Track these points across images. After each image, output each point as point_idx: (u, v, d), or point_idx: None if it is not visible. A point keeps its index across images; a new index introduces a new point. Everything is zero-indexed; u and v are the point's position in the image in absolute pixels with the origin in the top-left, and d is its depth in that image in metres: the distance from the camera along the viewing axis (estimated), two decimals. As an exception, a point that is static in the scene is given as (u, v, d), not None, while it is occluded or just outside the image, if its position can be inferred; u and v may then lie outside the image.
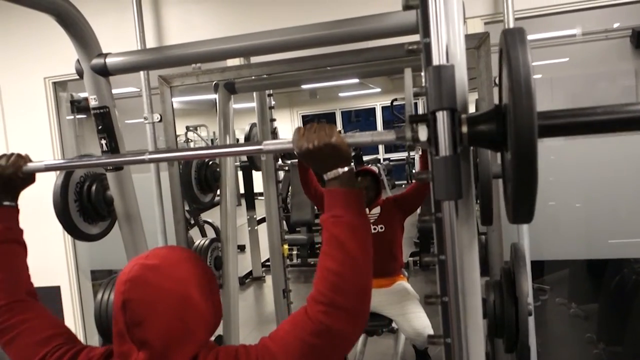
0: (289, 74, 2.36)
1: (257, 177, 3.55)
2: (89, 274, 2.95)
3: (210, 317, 1.08)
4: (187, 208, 2.70)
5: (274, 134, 3.10)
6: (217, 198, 2.79)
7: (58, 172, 1.78)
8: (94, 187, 1.80)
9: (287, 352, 1.00)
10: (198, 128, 9.03)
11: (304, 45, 1.48)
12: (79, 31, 1.53)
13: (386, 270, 3.21)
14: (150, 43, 2.67)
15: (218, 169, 2.70)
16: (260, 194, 3.44)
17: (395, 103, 8.11)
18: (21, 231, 1.37)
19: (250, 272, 6.24)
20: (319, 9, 2.45)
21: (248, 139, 3.30)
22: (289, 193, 6.53)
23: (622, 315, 3.15)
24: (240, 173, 6.46)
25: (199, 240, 2.67)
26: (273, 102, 3.03)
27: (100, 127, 1.62)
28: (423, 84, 1.00)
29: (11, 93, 2.92)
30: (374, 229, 3.19)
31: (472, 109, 1.14)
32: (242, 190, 6.60)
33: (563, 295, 4.04)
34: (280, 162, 3.22)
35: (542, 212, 2.57)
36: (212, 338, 2.65)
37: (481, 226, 2.09)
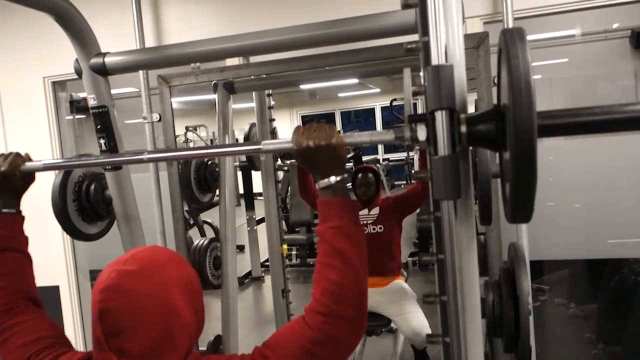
0: (288, 74, 2.36)
1: (257, 177, 3.55)
2: (87, 274, 2.95)
3: (194, 324, 1.03)
4: (186, 208, 2.70)
5: (273, 134, 3.10)
6: (216, 198, 2.79)
7: (57, 171, 1.78)
8: (92, 187, 1.80)
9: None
10: (197, 128, 9.03)
11: (302, 45, 1.48)
12: (78, 30, 1.53)
13: (384, 270, 3.21)
14: (150, 42, 2.67)
15: (217, 169, 2.70)
16: (260, 194, 3.44)
17: (394, 103, 8.11)
18: (25, 240, 1.35)
19: (250, 272, 6.24)
20: (317, 9, 2.45)
21: (247, 138, 3.30)
22: (288, 193, 6.53)
23: (621, 316, 3.15)
24: (239, 173, 6.46)
25: (198, 240, 2.67)
26: (272, 102, 3.03)
27: (99, 127, 1.62)
28: (422, 84, 1.00)
29: (10, 93, 2.92)
30: (373, 228, 3.20)
31: (471, 109, 1.14)
32: (241, 191, 6.60)
33: (562, 296, 4.04)
34: (279, 162, 3.22)
35: (541, 212, 2.57)
36: (211, 337, 2.65)
37: (480, 226, 2.10)
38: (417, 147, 1.07)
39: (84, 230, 1.81)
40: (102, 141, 1.64)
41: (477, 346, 1.08)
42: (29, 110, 2.90)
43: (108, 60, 1.55)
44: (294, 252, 6.19)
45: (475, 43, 1.85)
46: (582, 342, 3.46)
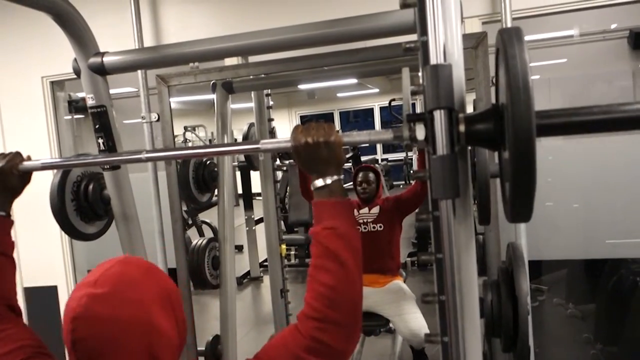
0: (286, 74, 2.37)
1: (255, 177, 3.55)
2: (86, 274, 2.94)
3: (176, 339, 0.96)
4: (185, 208, 2.69)
5: (272, 134, 3.10)
6: (214, 198, 2.79)
7: (55, 171, 1.78)
8: (91, 187, 1.80)
9: None
10: (196, 128, 9.03)
11: (301, 45, 1.48)
12: (76, 30, 1.53)
13: (383, 268, 3.23)
14: (148, 42, 2.67)
15: (216, 169, 2.70)
16: (258, 194, 3.44)
17: (393, 103, 8.11)
18: (10, 244, 1.31)
19: (248, 272, 6.24)
20: (316, 9, 2.45)
21: (246, 138, 3.30)
22: (287, 193, 6.53)
23: (620, 316, 3.16)
24: (238, 173, 6.46)
25: (196, 240, 2.67)
26: (271, 102, 3.03)
27: (97, 126, 1.62)
28: (420, 83, 1.00)
29: (9, 92, 2.92)
30: (373, 227, 3.22)
31: (470, 109, 1.14)
32: (240, 191, 6.59)
33: (560, 296, 4.05)
34: (278, 162, 3.22)
35: (540, 212, 2.58)
36: (210, 337, 2.64)
37: (479, 226, 2.10)
38: (416, 147, 1.07)
39: (82, 229, 1.81)
40: (100, 141, 1.64)
41: (476, 346, 1.08)
42: (28, 110, 2.89)
43: (107, 59, 1.55)
44: (292, 252, 6.19)
45: (473, 43, 1.85)
46: (580, 342, 3.47)
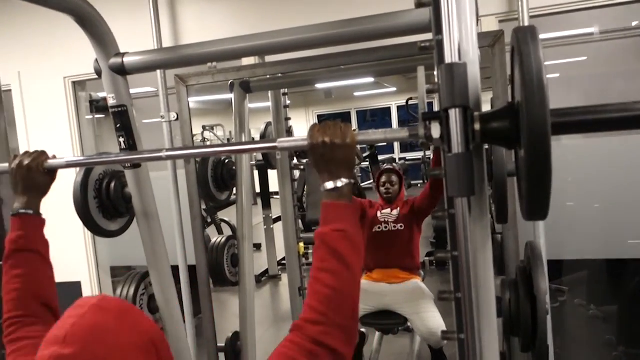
0: (303, 73, 2.38)
1: (273, 176, 3.58)
2: (108, 270, 3.00)
3: None
4: (204, 206, 2.72)
5: (289, 133, 3.12)
6: (233, 197, 2.82)
7: (78, 169, 1.82)
8: (112, 185, 1.83)
9: None
10: (214, 127, 9.10)
11: (317, 44, 1.49)
12: (97, 31, 1.56)
13: (403, 265, 3.28)
14: (167, 42, 2.70)
15: (234, 168, 2.72)
16: (276, 193, 3.46)
17: (410, 102, 8.07)
18: (44, 243, 1.30)
19: (267, 271, 6.28)
20: (332, 8, 2.46)
21: (264, 137, 3.32)
22: (305, 192, 6.54)
23: (642, 317, 3.11)
24: (256, 172, 6.49)
25: (215, 238, 2.70)
26: (288, 101, 3.05)
27: (118, 126, 1.65)
28: (436, 82, 1.00)
29: (32, 93, 2.98)
30: (394, 226, 3.29)
31: (488, 107, 1.14)
32: (258, 190, 6.63)
33: (582, 297, 4.00)
34: (295, 161, 3.23)
35: (560, 211, 2.56)
36: (229, 334, 2.67)
37: (498, 225, 2.09)
38: (432, 145, 1.08)
39: (104, 227, 1.84)
40: (121, 140, 1.67)
41: (493, 343, 1.08)
42: (51, 110, 2.95)
43: (127, 60, 1.58)
44: (310, 251, 6.20)
45: (490, 41, 1.84)
46: (602, 344, 3.42)
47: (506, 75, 1.80)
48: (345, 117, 11.82)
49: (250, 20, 2.62)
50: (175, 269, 2.07)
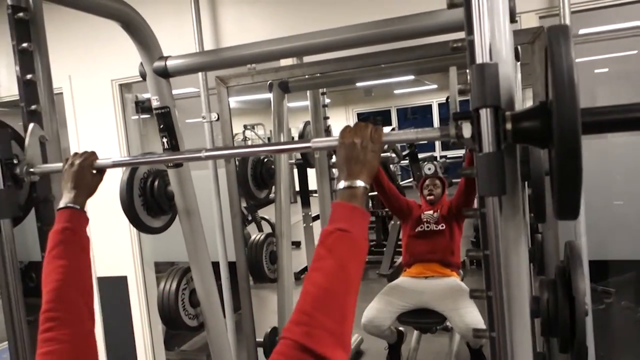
0: (340, 73, 2.40)
1: (312, 174, 3.62)
2: (152, 265, 3.10)
3: None
4: (244, 204, 2.77)
5: (327, 132, 3.15)
6: (272, 195, 2.87)
7: (124, 168, 1.90)
8: (156, 183, 1.90)
9: None
10: (255, 126, 9.23)
11: (353, 44, 1.52)
12: (142, 36, 1.63)
13: (443, 260, 3.32)
14: (208, 45, 2.77)
15: (273, 166, 2.77)
16: (315, 191, 3.50)
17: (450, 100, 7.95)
18: (87, 239, 1.30)
19: (305, 268, 6.32)
20: (368, 9, 2.47)
21: (302, 136, 3.36)
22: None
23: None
24: (295, 170, 6.55)
25: (254, 235, 2.76)
26: (327, 101, 3.08)
27: (161, 126, 1.72)
28: (468, 81, 1.01)
29: (82, 95, 3.11)
30: (435, 226, 3.37)
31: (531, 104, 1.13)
32: (297, 188, 6.69)
33: (629, 299, 3.87)
34: (333, 159, 3.27)
35: (606, 210, 2.49)
36: (268, 329, 2.71)
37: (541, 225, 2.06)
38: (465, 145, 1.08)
39: (149, 223, 1.92)
40: (164, 140, 1.73)
41: (525, 342, 1.08)
42: (99, 111, 3.08)
43: (170, 63, 1.64)
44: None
45: (530, 38, 1.82)
46: (651, 347, 3.31)
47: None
48: (385, 115, 11.76)
49: (289, 21, 2.66)
50: (215, 265, 2.13)
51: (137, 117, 3.25)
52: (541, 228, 2.08)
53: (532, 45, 1.84)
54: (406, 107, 12.13)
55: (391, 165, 6.29)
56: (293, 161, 3.69)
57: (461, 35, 1.04)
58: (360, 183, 1.01)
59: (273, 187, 2.81)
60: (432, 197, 3.54)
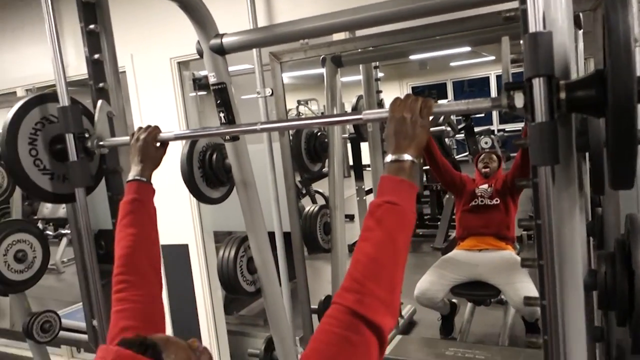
0: (392, 46, 2.39)
1: (365, 148, 3.63)
2: (212, 234, 3.23)
3: None
4: (299, 178, 2.82)
5: (380, 105, 3.14)
6: (325, 169, 2.91)
7: (184, 142, 1.99)
8: (214, 156, 1.98)
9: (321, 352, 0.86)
10: (308, 102, 9.27)
11: (405, 17, 1.51)
12: (198, 15, 1.69)
13: (498, 234, 3.31)
14: (262, 22, 2.80)
15: (326, 140, 2.81)
16: (369, 166, 3.52)
17: (511, 71, 7.68)
18: (154, 210, 1.39)
19: (359, 241, 6.38)
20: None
21: (355, 110, 3.38)
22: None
23: None
24: (349, 145, 6.56)
25: (308, 207, 2.82)
26: (380, 74, 3.07)
27: (218, 102, 1.78)
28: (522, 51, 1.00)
29: (144, 73, 3.24)
30: (490, 201, 3.37)
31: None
32: (351, 162, 6.71)
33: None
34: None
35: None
36: (322, 297, 2.79)
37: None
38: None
39: (208, 194, 2.01)
40: (221, 115, 1.79)
41: (577, 313, 1.08)
42: (159, 88, 3.19)
43: (225, 40, 1.69)
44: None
45: (592, 5, 1.75)
46: None
47: (607, 41, 1.71)
48: (440, 88, 11.51)
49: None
50: (271, 235, 2.20)
51: (194, 94, 3.35)
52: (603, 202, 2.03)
53: (594, 13, 1.77)
54: (463, 79, 11.81)
55: (446, 139, 6.18)
56: (346, 135, 3.71)
57: (515, 4, 1.03)
58: (407, 157, 1.02)
59: (326, 160, 2.85)
60: (487, 169, 3.51)
